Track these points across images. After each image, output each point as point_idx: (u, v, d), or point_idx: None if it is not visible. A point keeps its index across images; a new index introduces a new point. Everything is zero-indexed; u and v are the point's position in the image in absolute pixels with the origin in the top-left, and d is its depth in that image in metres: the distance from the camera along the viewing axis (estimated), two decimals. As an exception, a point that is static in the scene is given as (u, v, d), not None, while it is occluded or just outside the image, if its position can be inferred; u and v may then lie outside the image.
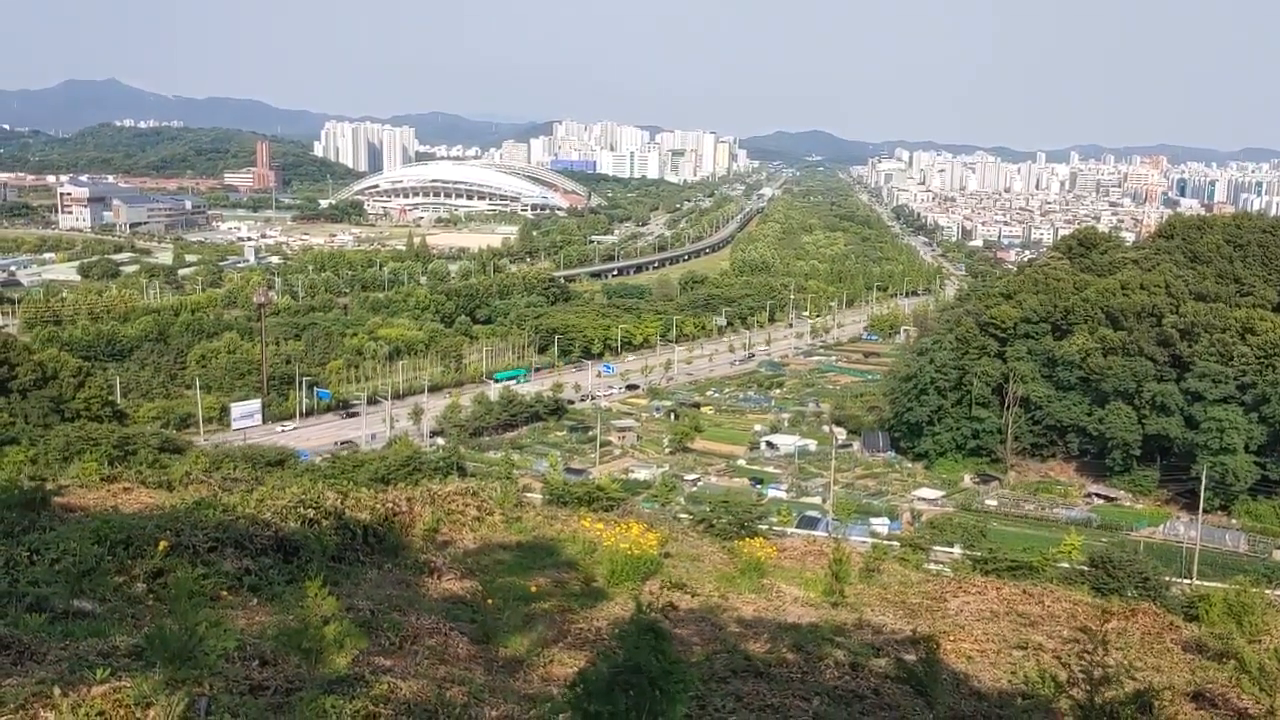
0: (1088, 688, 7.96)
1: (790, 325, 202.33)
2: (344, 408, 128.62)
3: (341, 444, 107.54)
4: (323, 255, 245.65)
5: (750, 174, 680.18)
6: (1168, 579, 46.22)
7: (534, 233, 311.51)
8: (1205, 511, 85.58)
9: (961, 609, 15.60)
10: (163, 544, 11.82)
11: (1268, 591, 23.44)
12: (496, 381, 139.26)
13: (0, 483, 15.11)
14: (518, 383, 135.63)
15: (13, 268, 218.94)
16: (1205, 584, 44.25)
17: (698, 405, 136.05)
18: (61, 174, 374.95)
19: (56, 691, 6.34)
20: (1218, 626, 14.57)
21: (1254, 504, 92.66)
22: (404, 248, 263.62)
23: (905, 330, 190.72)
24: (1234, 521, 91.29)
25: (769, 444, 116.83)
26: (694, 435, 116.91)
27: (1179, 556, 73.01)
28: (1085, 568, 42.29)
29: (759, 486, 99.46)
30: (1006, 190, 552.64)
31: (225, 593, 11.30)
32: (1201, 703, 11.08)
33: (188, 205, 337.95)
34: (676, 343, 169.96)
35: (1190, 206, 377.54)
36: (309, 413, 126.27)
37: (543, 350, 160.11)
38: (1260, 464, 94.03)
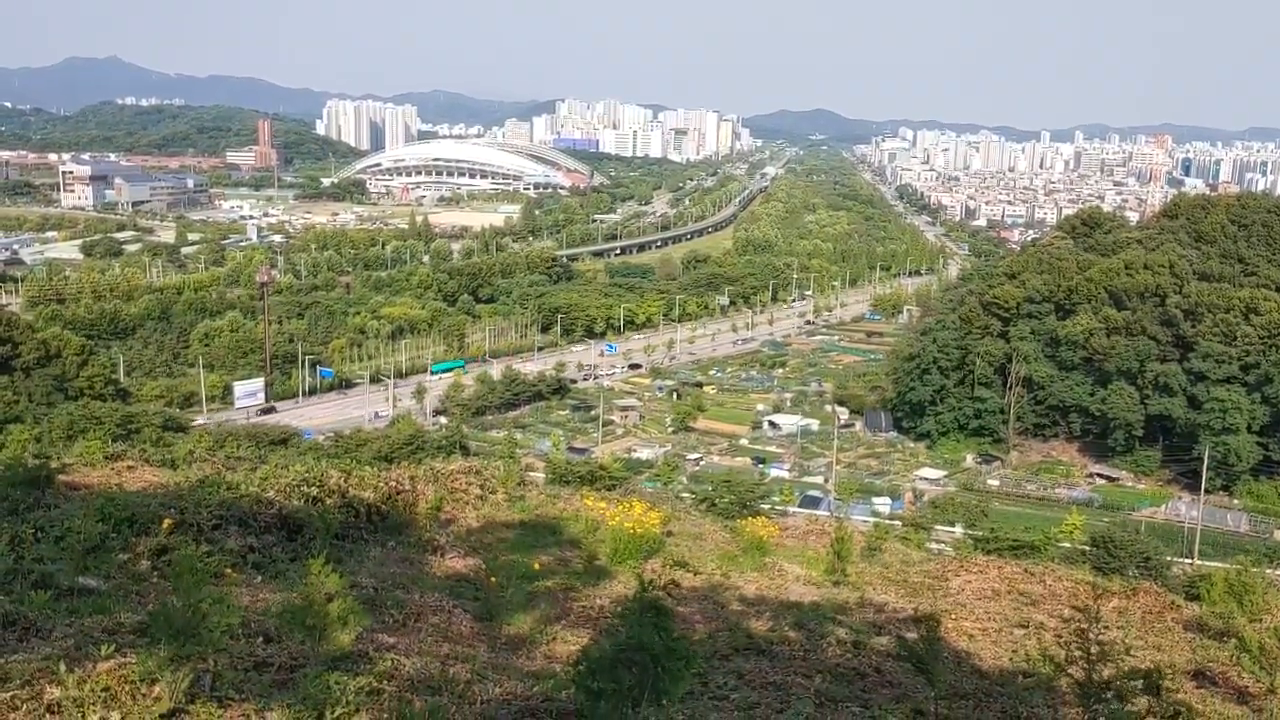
0: (1087, 666, 7.98)
1: (777, 306, 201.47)
2: (345, 386, 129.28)
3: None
4: (325, 234, 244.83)
5: (753, 153, 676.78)
6: (1169, 559, 46.55)
7: (536, 212, 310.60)
8: (1207, 492, 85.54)
9: (963, 588, 15.66)
10: (167, 522, 11.87)
11: (1269, 571, 23.53)
12: (433, 374, 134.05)
13: (5, 461, 15.17)
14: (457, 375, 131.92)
15: (15, 246, 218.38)
16: (1206, 564, 44.45)
17: (700, 385, 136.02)
18: (63, 152, 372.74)
19: (62, 667, 6.37)
20: (1219, 606, 14.62)
21: (1256, 484, 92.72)
22: (406, 226, 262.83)
23: (908, 310, 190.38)
24: (1236, 502, 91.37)
25: (771, 423, 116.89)
26: (696, 415, 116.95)
27: (1180, 537, 73.21)
28: (1087, 547, 42.65)
29: (761, 466, 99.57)
30: (1010, 170, 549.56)
31: (229, 570, 11.33)
32: (1202, 681, 11.14)
33: (190, 184, 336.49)
34: (679, 322, 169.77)
35: (1195, 186, 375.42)
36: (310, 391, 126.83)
37: (545, 329, 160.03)
38: (1262, 444, 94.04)
